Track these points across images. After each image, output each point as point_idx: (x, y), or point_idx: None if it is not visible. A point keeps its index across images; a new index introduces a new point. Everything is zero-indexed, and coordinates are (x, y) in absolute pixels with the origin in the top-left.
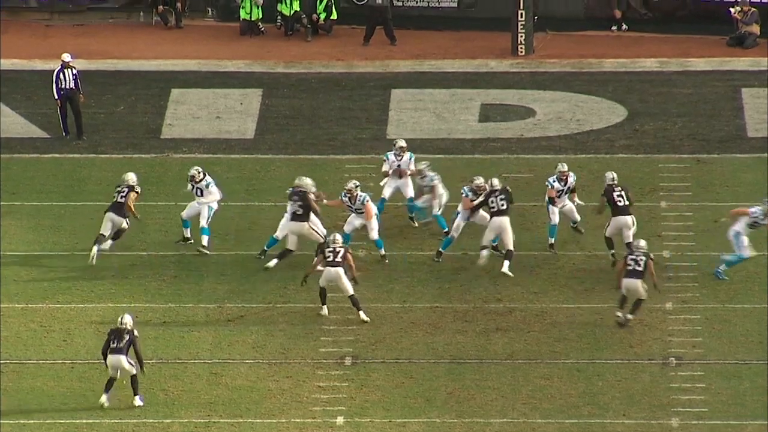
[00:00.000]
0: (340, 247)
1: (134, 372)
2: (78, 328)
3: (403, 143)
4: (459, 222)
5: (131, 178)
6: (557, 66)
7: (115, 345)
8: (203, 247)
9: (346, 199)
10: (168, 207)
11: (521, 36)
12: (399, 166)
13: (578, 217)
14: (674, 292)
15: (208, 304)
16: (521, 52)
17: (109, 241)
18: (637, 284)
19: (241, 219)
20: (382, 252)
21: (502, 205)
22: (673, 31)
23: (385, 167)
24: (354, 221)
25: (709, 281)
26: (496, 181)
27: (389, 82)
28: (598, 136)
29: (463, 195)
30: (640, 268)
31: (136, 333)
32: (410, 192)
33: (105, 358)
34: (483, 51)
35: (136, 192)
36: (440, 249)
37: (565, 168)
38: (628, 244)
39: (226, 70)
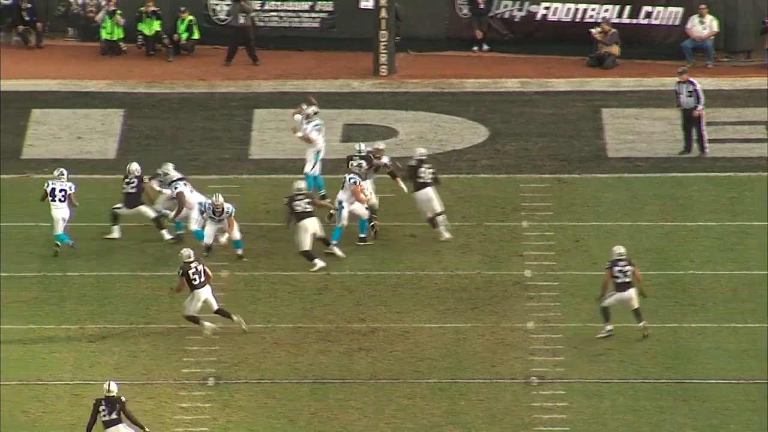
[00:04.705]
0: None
1: None
2: None
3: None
4: (345, 214)
5: (135, 168)
6: (419, 86)
7: (107, 417)
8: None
9: (210, 211)
10: (28, 228)
11: (383, 56)
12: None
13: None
14: (536, 311)
15: (69, 325)
16: (383, 72)
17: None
18: (632, 294)
19: (103, 240)
20: (239, 252)
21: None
22: (534, 51)
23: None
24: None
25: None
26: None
27: (252, 102)
28: (460, 156)
29: (354, 183)
30: (628, 279)
31: (123, 398)
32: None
33: None
34: (345, 71)
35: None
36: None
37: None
38: (432, 218)
39: (88, 90)
